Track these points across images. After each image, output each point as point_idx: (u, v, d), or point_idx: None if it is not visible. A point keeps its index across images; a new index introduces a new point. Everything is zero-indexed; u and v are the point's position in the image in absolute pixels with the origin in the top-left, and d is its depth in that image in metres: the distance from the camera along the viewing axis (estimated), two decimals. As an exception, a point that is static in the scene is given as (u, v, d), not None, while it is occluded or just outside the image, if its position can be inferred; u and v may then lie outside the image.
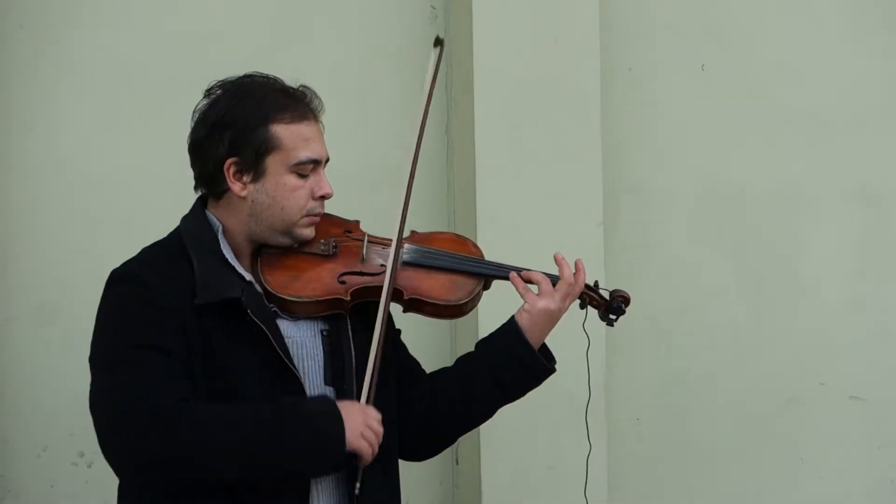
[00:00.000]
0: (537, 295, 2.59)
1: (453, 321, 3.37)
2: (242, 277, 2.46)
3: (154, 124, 3.43)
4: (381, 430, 2.43)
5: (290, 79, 2.49)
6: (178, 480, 2.34)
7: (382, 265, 2.55)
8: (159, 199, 3.43)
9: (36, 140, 3.40)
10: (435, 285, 2.58)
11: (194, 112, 2.52)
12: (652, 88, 3.81)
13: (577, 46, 3.57)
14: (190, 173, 3.43)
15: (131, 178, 3.45)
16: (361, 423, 2.39)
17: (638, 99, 3.79)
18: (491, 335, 2.64)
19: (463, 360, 2.68)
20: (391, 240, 2.56)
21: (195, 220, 2.52)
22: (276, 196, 2.46)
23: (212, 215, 2.52)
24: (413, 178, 2.55)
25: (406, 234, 2.63)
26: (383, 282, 2.52)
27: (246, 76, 2.55)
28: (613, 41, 3.71)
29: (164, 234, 3.36)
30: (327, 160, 2.53)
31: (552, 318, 2.59)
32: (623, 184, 3.75)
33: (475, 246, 2.69)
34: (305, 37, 3.57)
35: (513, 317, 2.62)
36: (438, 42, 2.66)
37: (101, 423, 2.36)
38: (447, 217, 3.62)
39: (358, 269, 2.55)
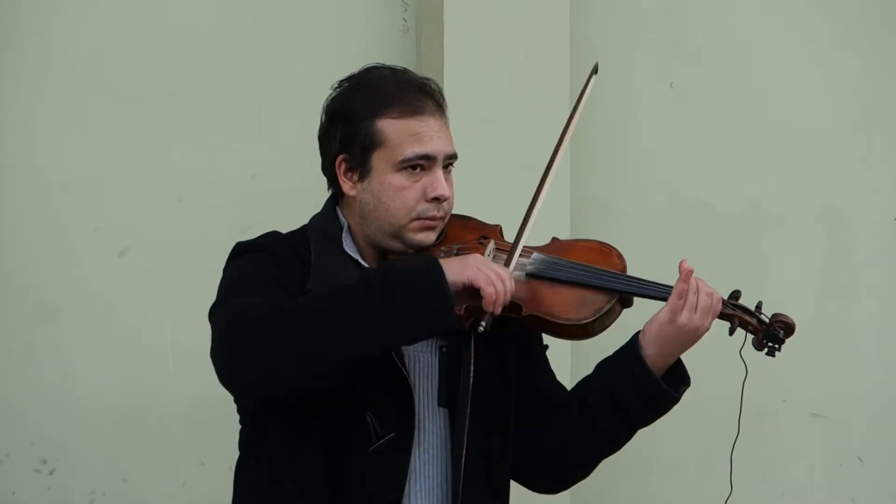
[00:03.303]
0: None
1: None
2: (362, 265, 2.30)
3: (125, 130, 3.42)
4: (506, 274, 2.15)
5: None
6: (286, 431, 2.20)
7: None
8: (140, 200, 3.43)
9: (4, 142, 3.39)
10: (558, 301, 2.26)
11: (323, 104, 2.37)
12: (621, 105, 3.83)
13: (547, 61, 3.58)
14: (163, 177, 3.46)
15: (107, 180, 3.42)
16: (475, 260, 2.15)
17: (607, 115, 3.81)
18: (611, 355, 2.37)
19: (582, 384, 2.41)
20: (526, 248, 2.30)
21: (324, 215, 2.37)
22: (381, 196, 2.27)
23: (340, 213, 2.36)
24: (540, 190, 2.36)
25: (547, 241, 2.39)
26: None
27: (373, 66, 2.36)
28: (583, 57, 3.72)
29: (142, 239, 3.39)
30: (452, 157, 2.32)
31: (683, 335, 2.29)
32: (590, 200, 3.76)
33: (619, 257, 2.36)
34: (279, 46, 3.56)
35: (636, 334, 2.33)
36: (595, 70, 2.48)
37: (214, 349, 2.19)
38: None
39: None
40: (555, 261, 2.32)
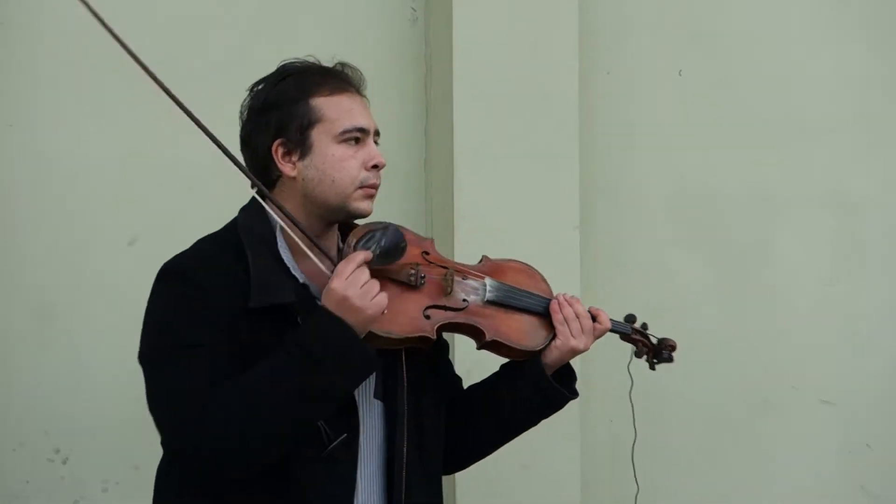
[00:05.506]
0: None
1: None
2: (297, 280, 2.37)
3: (135, 119, 3.42)
4: (373, 286, 2.29)
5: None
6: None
7: (465, 300, 2.45)
8: (150, 189, 3.44)
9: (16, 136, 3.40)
10: (514, 328, 2.50)
11: (241, 111, 2.47)
12: (630, 92, 3.83)
13: (556, 50, 3.58)
14: (173, 166, 3.46)
15: (117, 169, 3.44)
16: (348, 302, 2.26)
17: (616, 102, 3.81)
18: (511, 360, 2.58)
19: (488, 382, 2.63)
20: (473, 270, 2.50)
21: (252, 216, 2.41)
22: (326, 169, 2.38)
23: (269, 210, 2.39)
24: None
25: (477, 259, 2.57)
26: (466, 319, 2.43)
27: (286, 62, 2.48)
28: (592, 45, 3.73)
29: (152, 227, 3.40)
30: (377, 133, 2.46)
31: (573, 354, 2.56)
32: (600, 187, 3.77)
33: (544, 280, 2.60)
34: (285, 36, 3.57)
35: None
36: None
37: (157, 422, 2.30)
38: (425, 220, 3.63)
39: (443, 304, 2.42)
40: (509, 288, 2.53)
